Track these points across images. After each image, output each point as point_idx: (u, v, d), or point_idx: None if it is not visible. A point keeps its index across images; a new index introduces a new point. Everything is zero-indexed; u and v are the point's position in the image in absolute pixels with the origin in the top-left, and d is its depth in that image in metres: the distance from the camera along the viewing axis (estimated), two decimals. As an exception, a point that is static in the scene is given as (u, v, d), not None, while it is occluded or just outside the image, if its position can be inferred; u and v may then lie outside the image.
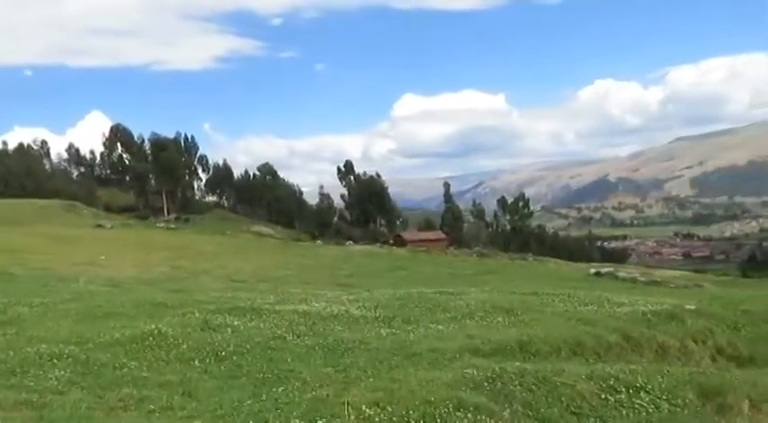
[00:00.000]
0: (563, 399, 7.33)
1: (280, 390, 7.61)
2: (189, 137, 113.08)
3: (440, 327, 11.78)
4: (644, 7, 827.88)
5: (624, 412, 7.26)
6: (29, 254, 33.86)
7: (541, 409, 7.03)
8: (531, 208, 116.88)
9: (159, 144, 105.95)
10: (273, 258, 46.04)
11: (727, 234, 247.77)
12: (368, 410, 6.42)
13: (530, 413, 6.92)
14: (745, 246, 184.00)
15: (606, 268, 48.54)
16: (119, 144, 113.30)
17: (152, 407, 7.09)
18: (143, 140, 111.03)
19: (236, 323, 11.69)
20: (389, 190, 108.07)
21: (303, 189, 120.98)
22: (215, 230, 74.62)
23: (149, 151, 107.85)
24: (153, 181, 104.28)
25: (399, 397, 6.79)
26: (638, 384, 7.87)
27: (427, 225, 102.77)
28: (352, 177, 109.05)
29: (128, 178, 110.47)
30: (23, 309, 13.48)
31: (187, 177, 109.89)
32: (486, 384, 7.34)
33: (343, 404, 6.60)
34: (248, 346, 10.02)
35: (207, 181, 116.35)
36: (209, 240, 58.47)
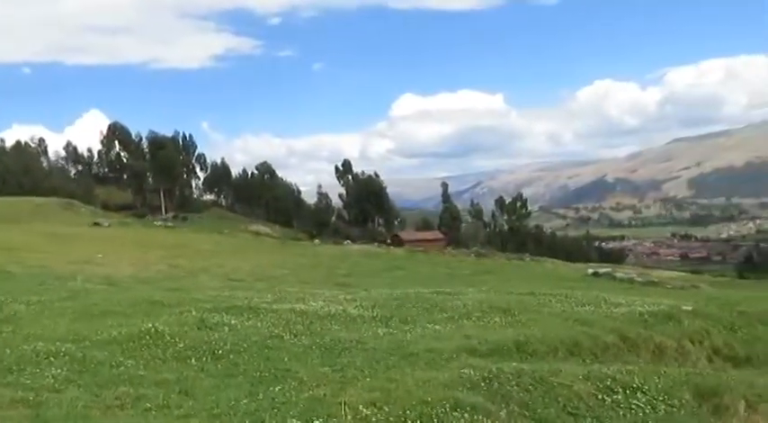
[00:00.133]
0: (560, 399, 7.34)
1: (276, 389, 7.60)
2: (187, 135, 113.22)
3: (437, 327, 11.78)
4: (643, 8, 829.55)
5: (621, 413, 7.27)
6: (26, 252, 33.80)
7: (538, 410, 7.03)
8: (529, 208, 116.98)
9: (157, 142, 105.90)
10: (271, 257, 45.99)
11: (725, 235, 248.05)
12: (365, 410, 6.42)
13: (526, 413, 6.92)
14: (742, 247, 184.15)
15: (604, 269, 48.62)
16: (116, 142, 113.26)
17: (149, 405, 7.08)
18: (141, 139, 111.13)
19: (233, 322, 11.68)
20: (387, 190, 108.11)
21: (301, 188, 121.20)
22: (213, 229, 74.54)
23: (147, 149, 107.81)
24: (151, 179, 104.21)
25: (396, 397, 6.79)
26: (634, 385, 7.88)
27: (425, 225, 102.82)
28: (350, 177, 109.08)
29: (125, 176, 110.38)
30: (20, 307, 13.45)
31: (185, 176, 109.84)
32: (482, 384, 7.35)
33: (340, 404, 6.60)
34: (245, 345, 10.02)
35: (205, 179, 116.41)
36: (207, 239, 58.41)
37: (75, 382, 7.88)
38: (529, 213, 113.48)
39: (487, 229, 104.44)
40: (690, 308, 14.58)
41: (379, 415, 6.36)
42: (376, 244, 70.20)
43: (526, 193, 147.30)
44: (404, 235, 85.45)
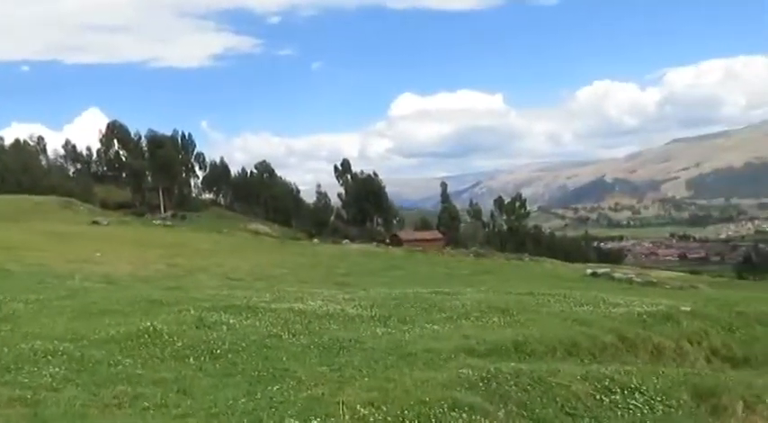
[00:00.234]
0: (558, 399, 7.34)
1: (275, 388, 7.60)
2: (186, 134, 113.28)
3: (435, 327, 11.78)
4: (642, 8, 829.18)
5: (619, 413, 7.27)
6: (24, 250, 33.76)
7: (536, 410, 7.03)
8: (528, 208, 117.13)
9: (156, 141, 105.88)
10: (270, 257, 45.98)
11: (723, 236, 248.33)
12: (363, 410, 6.42)
13: (524, 413, 6.92)
14: (740, 247, 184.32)
15: (602, 269, 48.67)
16: (115, 141, 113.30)
17: (146, 404, 7.07)
18: (140, 137, 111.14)
19: (231, 321, 11.68)
20: (386, 189, 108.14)
21: (300, 187, 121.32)
22: (212, 228, 74.52)
23: (146, 148, 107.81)
24: (150, 178, 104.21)
25: (394, 397, 6.79)
26: (632, 385, 7.88)
27: (424, 225, 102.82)
28: (349, 176, 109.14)
29: (124, 175, 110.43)
30: (18, 305, 13.44)
31: (184, 175, 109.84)
32: (481, 384, 7.34)
33: (338, 403, 6.59)
34: (243, 345, 10.01)
35: (204, 178, 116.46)
36: (206, 238, 58.39)
37: (73, 381, 7.88)
38: (528, 213, 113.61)
39: (486, 229, 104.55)
40: (688, 308, 14.58)
41: (377, 415, 6.35)
42: (375, 243, 70.19)
43: (525, 193, 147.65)
44: (403, 235, 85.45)
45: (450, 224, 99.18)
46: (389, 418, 6.32)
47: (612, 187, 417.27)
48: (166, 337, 10.19)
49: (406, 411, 6.43)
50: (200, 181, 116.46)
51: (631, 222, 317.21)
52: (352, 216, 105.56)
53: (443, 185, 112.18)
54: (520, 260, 59.94)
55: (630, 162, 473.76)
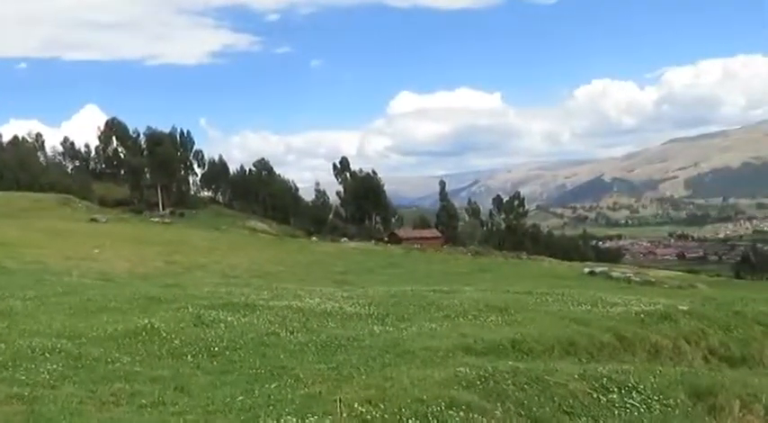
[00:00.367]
0: (555, 398, 7.34)
1: (272, 386, 7.60)
2: (184, 131, 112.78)
3: (433, 325, 11.79)
4: (642, 7, 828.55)
5: (616, 412, 7.27)
6: (22, 247, 33.76)
7: (534, 408, 7.03)
8: (526, 207, 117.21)
9: (155, 138, 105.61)
10: (268, 254, 46.01)
11: (721, 235, 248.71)
12: (360, 408, 6.42)
13: (522, 412, 6.92)
14: (738, 247, 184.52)
15: (600, 268, 48.76)
16: (114, 138, 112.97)
17: (144, 402, 7.07)
18: (138, 135, 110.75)
19: (229, 319, 11.69)
20: (385, 187, 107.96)
21: (299, 185, 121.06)
22: (210, 226, 74.56)
23: (144, 145, 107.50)
24: (148, 175, 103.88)
25: (392, 395, 6.79)
26: (630, 384, 7.88)
27: (422, 223, 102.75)
28: (347, 174, 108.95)
29: (123, 172, 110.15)
30: (16, 302, 13.44)
31: (182, 172, 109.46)
32: (478, 383, 7.35)
33: (336, 401, 6.59)
34: (241, 342, 10.02)
35: (202, 176, 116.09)
36: (204, 235, 58.42)
37: (70, 379, 7.88)
38: (526, 212, 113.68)
39: (484, 228, 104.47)
40: (686, 308, 14.61)
41: (374, 413, 6.35)
42: (373, 242, 70.29)
43: (523, 191, 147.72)
44: (401, 233, 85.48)
45: (448, 223, 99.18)
46: (387, 416, 6.32)
47: (611, 186, 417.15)
48: (164, 334, 10.20)
49: (403, 409, 6.43)
50: (198, 178, 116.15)
51: (629, 221, 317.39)
52: (350, 214, 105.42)
53: (442, 184, 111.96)
54: (518, 259, 60.06)
55: (629, 161, 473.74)
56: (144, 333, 10.20)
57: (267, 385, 7.65)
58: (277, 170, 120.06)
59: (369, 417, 6.29)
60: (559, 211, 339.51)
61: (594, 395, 7.54)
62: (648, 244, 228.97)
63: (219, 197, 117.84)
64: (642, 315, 13.34)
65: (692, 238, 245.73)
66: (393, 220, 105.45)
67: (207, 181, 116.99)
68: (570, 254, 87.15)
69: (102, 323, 11.02)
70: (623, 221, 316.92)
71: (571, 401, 7.34)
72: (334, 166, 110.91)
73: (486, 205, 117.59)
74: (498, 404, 6.93)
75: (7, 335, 10.06)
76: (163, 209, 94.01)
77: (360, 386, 7.23)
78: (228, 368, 8.73)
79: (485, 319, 12.54)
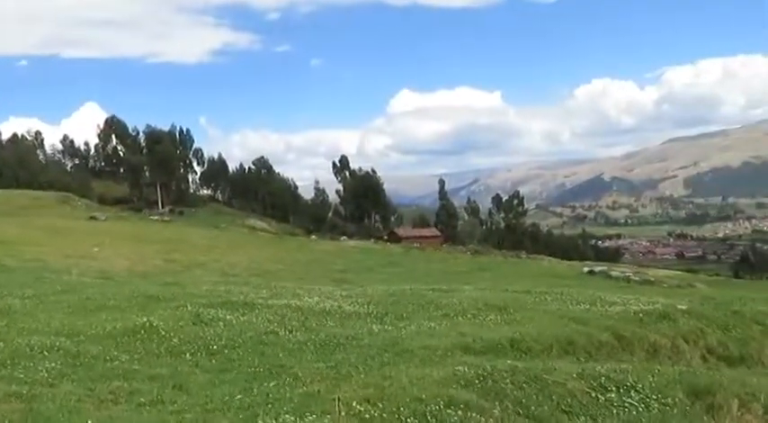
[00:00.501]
0: (554, 397, 7.34)
1: (271, 384, 7.60)
2: (184, 130, 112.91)
3: (432, 324, 11.80)
4: (642, 6, 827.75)
5: (614, 411, 7.28)
6: (21, 245, 33.76)
7: (532, 407, 7.03)
8: (526, 206, 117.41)
9: (154, 136, 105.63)
10: (268, 253, 46.02)
11: (720, 235, 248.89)
12: (359, 407, 6.42)
13: (520, 411, 6.92)
14: (737, 246, 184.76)
15: (599, 267, 48.80)
16: (113, 136, 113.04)
17: (142, 400, 7.06)
18: (138, 133, 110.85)
19: (228, 317, 11.68)
20: (384, 186, 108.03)
21: (298, 184, 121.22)
22: (209, 224, 74.57)
23: (144, 144, 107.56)
24: (147, 173, 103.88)
25: (390, 394, 6.79)
26: (628, 383, 7.88)
27: (422, 222, 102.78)
28: (347, 173, 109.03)
29: (122, 170, 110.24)
30: (15, 300, 13.44)
31: (182, 170, 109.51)
32: (477, 382, 7.35)
33: (334, 400, 6.59)
34: (240, 341, 10.03)
35: (202, 174, 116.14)
36: (204, 234, 58.43)
37: (69, 377, 7.87)
38: (525, 211, 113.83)
39: (484, 227, 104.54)
40: (685, 307, 14.62)
41: (372, 411, 6.35)
42: (372, 240, 70.30)
43: (523, 191, 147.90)
44: (400, 231, 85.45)
45: (447, 221, 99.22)
46: (385, 415, 6.32)
47: (610, 186, 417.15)
48: (163, 332, 10.20)
49: (402, 408, 6.43)
50: (198, 177, 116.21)
51: (629, 221, 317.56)
52: (350, 212, 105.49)
53: (441, 183, 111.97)
54: (517, 258, 60.11)
55: (628, 161, 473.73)
56: (143, 331, 10.20)
57: (266, 384, 7.65)
58: (276, 169, 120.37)
59: (367, 415, 6.29)
60: (559, 210, 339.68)
61: (593, 394, 7.54)
62: (648, 243, 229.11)
63: (219, 195, 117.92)
64: (641, 314, 13.35)
65: (692, 237, 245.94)
66: (392, 218, 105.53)
67: (206, 179, 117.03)
68: (569, 253, 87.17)
69: (100, 321, 11.02)
70: (623, 221, 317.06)
71: (569, 400, 7.34)
72: (334, 164, 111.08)
73: (485, 204, 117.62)
74: (497, 403, 6.93)
75: (6, 333, 10.05)
76: (162, 207, 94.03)
77: (358, 385, 7.23)
78: (227, 367, 8.73)
79: (484, 317, 12.54)
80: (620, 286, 33.29)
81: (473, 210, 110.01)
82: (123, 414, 6.62)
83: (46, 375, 7.82)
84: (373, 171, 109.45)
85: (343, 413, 6.32)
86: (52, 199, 75.52)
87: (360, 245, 61.01)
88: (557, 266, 53.01)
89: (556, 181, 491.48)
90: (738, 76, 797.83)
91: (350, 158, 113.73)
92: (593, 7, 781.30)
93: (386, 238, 79.78)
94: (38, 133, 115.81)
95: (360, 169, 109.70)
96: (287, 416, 6.19)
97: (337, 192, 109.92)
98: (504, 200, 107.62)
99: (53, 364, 8.26)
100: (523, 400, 7.12)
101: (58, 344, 9.23)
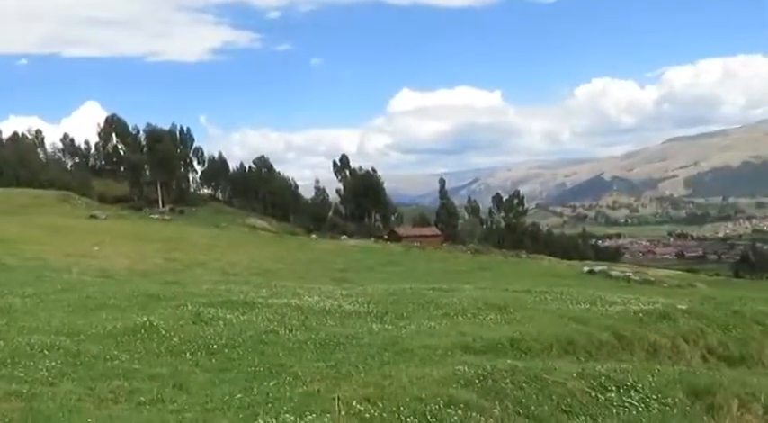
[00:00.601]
0: (554, 396, 7.35)
1: (271, 384, 7.60)
2: (184, 128, 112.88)
3: (432, 323, 11.79)
4: (642, 6, 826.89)
5: (614, 411, 7.28)
6: (22, 244, 33.76)
7: (532, 407, 7.03)
8: (526, 205, 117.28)
9: (154, 135, 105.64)
10: (268, 252, 46.03)
11: (721, 234, 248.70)
12: (358, 406, 6.42)
13: (520, 411, 6.93)
14: (737, 246, 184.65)
15: (600, 266, 48.79)
16: (114, 135, 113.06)
17: (142, 399, 7.07)
18: (138, 131, 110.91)
19: (228, 316, 11.69)
20: (385, 185, 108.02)
21: (298, 183, 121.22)
22: (210, 223, 74.59)
23: (144, 142, 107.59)
24: (148, 172, 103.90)
25: (390, 393, 6.79)
26: (628, 383, 7.88)
27: (422, 221, 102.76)
28: (347, 172, 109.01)
29: (122, 169, 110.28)
30: (15, 299, 13.44)
31: (182, 169, 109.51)
32: (477, 381, 7.35)
33: (334, 399, 6.59)
34: (240, 340, 10.03)
35: (202, 173, 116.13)
36: (204, 233, 58.43)
37: (69, 376, 7.87)
38: (525, 211, 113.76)
39: (484, 226, 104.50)
40: (685, 307, 14.62)
41: (372, 411, 6.35)
42: (373, 239, 70.30)
43: (523, 190, 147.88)
44: (401, 231, 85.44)
45: (448, 221, 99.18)
46: (385, 414, 6.32)
47: (610, 185, 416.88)
48: (163, 332, 10.20)
49: (401, 407, 6.43)
50: (198, 176, 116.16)
51: (629, 220, 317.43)
52: (350, 212, 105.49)
53: (442, 182, 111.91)
54: (517, 257, 60.10)
55: (628, 160, 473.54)
56: (143, 330, 10.20)
57: (266, 383, 7.65)
58: (277, 168, 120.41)
59: (367, 415, 6.29)
60: (559, 209, 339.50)
61: (593, 394, 7.55)
62: (648, 243, 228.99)
63: (219, 194, 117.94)
64: (641, 314, 13.35)
65: (692, 237, 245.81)
66: (393, 217, 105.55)
67: (207, 178, 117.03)
68: (569, 252, 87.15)
69: (101, 320, 11.02)
70: (623, 220, 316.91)
71: (569, 400, 7.34)
72: (334, 163, 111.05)
73: (485, 203, 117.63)
74: (497, 402, 6.93)
75: (6, 332, 10.06)
76: (162, 206, 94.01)
77: (358, 384, 7.23)
78: (227, 366, 8.73)
79: (484, 317, 12.54)
80: (620, 286, 33.30)
81: (473, 209, 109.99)
82: (123, 413, 6.63)
83: (46, 374, 7.82)
84: (373, 170, 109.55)
85: (342, 412, 6.32)
86: (52, 198, 75.55)
87: (360, 244, 61.02)
88: (557, 266, 53.01)
89: (556, 180, 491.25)
90: (738, 76, 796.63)
91: (350, 158, 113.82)
92: (593, 7, 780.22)
93: (386, 237, 79.77)
94: (38, 132, 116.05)
95: (360, 168, 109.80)
96: (287, 415, 6.20)
97: (337, 191, 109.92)
98: (504, 199, 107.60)
99: (53, 363, 8.27)
100: (523, 400, 7.12)
101: (58, 343, 9.23)
